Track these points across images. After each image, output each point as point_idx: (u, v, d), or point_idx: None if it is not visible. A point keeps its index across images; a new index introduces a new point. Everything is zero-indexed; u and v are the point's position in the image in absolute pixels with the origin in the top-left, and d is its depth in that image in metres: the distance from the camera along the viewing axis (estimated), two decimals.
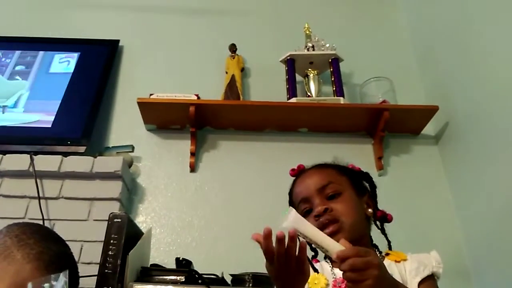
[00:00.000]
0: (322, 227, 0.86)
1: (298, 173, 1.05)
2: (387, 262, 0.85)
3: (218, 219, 1.63)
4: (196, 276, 1.20)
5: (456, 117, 1.69)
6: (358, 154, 1.76)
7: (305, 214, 0.92)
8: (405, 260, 0.86)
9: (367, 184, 1.04)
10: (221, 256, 1.54)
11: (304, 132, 1.83)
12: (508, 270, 1.29)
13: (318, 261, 0.98)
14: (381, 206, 1.64)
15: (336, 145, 1.78)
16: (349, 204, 0.91)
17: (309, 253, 0.94)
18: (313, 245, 0.72)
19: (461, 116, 1.66)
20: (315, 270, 0.91)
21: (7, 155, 1.55)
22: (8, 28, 2.03)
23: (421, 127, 1.82)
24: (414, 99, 1.83)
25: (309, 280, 0.88)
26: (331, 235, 0.84)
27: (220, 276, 1.27)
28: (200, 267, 1.33)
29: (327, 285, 0.86)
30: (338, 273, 0.85)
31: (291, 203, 1.02)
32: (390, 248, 0.94)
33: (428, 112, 1.75)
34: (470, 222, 1.57)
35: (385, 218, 0.98)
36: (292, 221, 0.73)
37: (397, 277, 0.81)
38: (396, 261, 0.86)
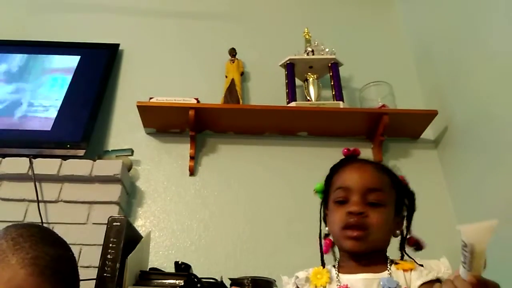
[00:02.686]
0: (347, 227, 0.85)
1: (352, 156, 0.98)
2: (394, 269, 0.84)
3: (217, 223, 1.63)
4: (195, 280, 1.20)
5: (455, 122, 1.70)
6: None
7: (337, 202, 0.90)
8: (412, 268, 0.84)
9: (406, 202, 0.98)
10: (220, 260, 1.54)
11: (303, 136, 1.83)
12: (506, 273, 1.29)
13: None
14: None
15: (335, 149, 1.76)
16: (384, 219, 0.87)
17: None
18: (465, 253, 0.61)
19: (460, 120, 1.67)
20: (323, 264, 0.91)
21: (6, 158, 1.54)
22: (8, 32, 2.04)
23: (420, 132, 1.82)
24: (413, 104, 1.84)
25: (312, 272, 0.89)
26: (353, 238, 0.84)
27: (219, 280, 1.27)
28: (199, 271, 1.33)
29: (327, 283, 0.86)
30: (343, 280, 0.85)
31: (328, 179, 0.97)
32: (402, 258, 0.91)
33: (427, 116, 1.76)
34: None
35: (418, 245, 0.94)
36: (479, 236, 0.61)
37: (402, 284, 0.81)
38: (404, 270, 0.84)
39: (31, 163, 1.51)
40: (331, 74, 1.81)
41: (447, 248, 1.57)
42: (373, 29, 2.20)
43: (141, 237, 1.32)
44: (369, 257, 0.86)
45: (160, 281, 1.19)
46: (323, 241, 0.96)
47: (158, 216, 1.64)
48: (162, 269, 1.39)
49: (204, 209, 1.66)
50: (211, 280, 1.26)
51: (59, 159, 1.54)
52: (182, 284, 1.16)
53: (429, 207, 1.68)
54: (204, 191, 1.70)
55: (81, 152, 1.60)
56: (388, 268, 0.84)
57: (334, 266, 0.91)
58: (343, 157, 1.00)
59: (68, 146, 1.62)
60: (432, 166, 1.79)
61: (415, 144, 1.85)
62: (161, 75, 1.98)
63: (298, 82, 1.85)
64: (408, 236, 0.94)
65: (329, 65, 1.82)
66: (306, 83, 1.85)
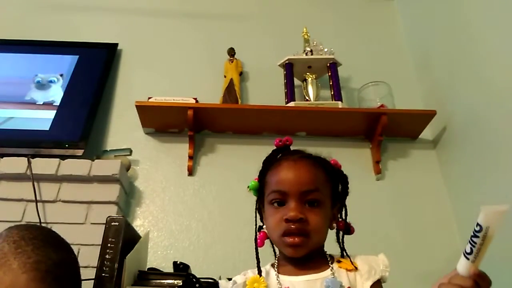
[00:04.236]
0: (287, 233, 0.82)
1: (285, 147, 0.95)
2: (336, 268, 0.83)
3: (215, 223, 1.63)
4: (194, 280, 1.20)
5: (454, 122, 1.70)
6: (356, 158, 1.77)
7: (273, 203, 0.86)
8: (356, 269, 0.83)
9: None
10: (219, 260, 1.54)
11: (302, 136, 1.83)
12: (505, 274, 1.29)
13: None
14: (378, 209, 1.66)
15: (334, 149, 1.77)
16: (323, 219, 0.84)
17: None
18: (475, 239, 0.63)
19: (459, 120, 1.67)
20: (259, 272, 0.86)
21: (4, 158, 1.54)
22: (7, 31, 2.03)
23: (418, 132, 1.83)
24: (412, 104, 1.84)
25: (248, 282, 0.84)
26: (293, 246, 0.81)
27: (217, 280, 1.27)
28: (197, 271, 1.33)
29: None
30: (284, 282, 0.82)
31: (262, 175, 0.92)
32: (342, 255, 0.87)
33: (426, 116, 1.76)
34: (467, 226, 1.58)
35: (348, 230, 0.91)
36: (495, 218, 0.62)
37: (345, 284, 0.79)
38: (347, 270, 0.82)
39: (29, 162, 1.51)
40: (329, 74, 1.81)
41: (445, 246, 1.58)
42: (371, 29, 2.20)
43: (139, 237, 1.32)
44: (310, 257, 0.84)
45: (158, 281, 1.19)
46: (258, 234, 0.91)
47: (157, 216, 1.64)
48: (161, 269, 1.39)
49: (202, 209, 1.66)
50: (209, 280, 1.26)
51: (58, 159, 1.54)
52: (181, 284, 1.16)
53: (427, 207, 1.69)
54: (203, 191, 1.70)
55: (80, 152, 1.60)
56: (330, 267, 0.83)
57: (273, 266, 0.87)
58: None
59: (67, 145, 1.62)
60: (431, 166, 1.79)
61: (414, 144, 1.85)
62: (159, 75, 1.98)
63: (296, 82, 1.85)
64: (340, 220, 0.91)
65: (328, 65, 1.83)
66: (304, 83, 1.85)
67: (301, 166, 0.88)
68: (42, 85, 1.84)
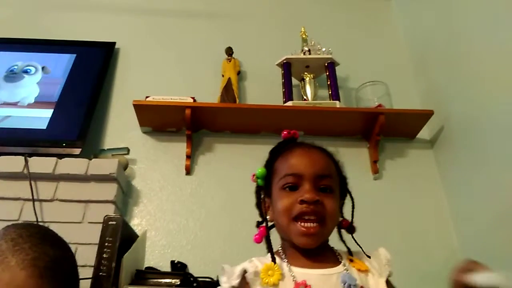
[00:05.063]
0: (301, 215, 0.79)
1: (293, 139, 0.94)
2: (347, 265, 0.81)
3: (213, 222, 1.62)
4: (191, 279, 1.20)
5: (451, 122, 1.71)
6: (353, 158, 1.77)
7: (285, 187, 0.83)
8: (367, 270, 0.82)
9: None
10: (217, 259, 1.53)
11: (300, 135, 1.82)
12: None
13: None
14: (376, 209, 1.66)
15: (331, 149, 1.78)
16: (336, 206, 0.83)
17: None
18: None
19: (456, 120, 1.67)
20: (273, 259, 0.81)
21: (1, 156, 1.54)
22: (4, 30, 2.03)
23: (416, 131, 1.83)
24: (410, 103, 1.84)
25: (262, 270, 0.79)
26: (308, 235, 0.79)
27: (215, 279, 1.27)
28: (195, 270, 1.33)
29: (279, 281, 0.77)
30: (298, 274, 0.78)
31: (270, 164, 0.90)
32: (350, 253, 0.86)
33: (423, 116, 1.76)
34: (464, 225, 1.58)
35: (351, 228, 0.90)
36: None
37: (358, 282, 0.78)
38: (359, 270, 0.81)
39: (26, 161, 1.51)
40: (327, 73, 1.82)
41: (442, 245, 1.59)
42: (369, 29, 2.21)
43: (137, 236, 1.32)
44: (320, 251, 0.82)
45: (156, 280, 1.19)
46: (257, 229, 0.89)
47: (154, 215, 1.64)
48: (158, 268, 1.39)
49: (200, 208, 1.66)
50: (207, 279, 1.26)
51: (55, 158, 1.53)
52: (178, 283, 1.17)
53: (424, 207, 1.70)
54: (200, 190, 1.70)
55: (77, 151, 1.59)
56: (343, 263, 0.81)
57: (279, 255, 0.83)
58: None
59: (64, 144, 1.62)
60: (428, 166, 1.80)
61: (411, 144, 1.86)
62: (157, 74, 1.98)
63: (294, 81, 1.86)
64: (341, 219, 0.90)
65: (326, 64, 1.83)
66: (302, 82, 1.85)
67: (315, 152, 0.88)
68: (14, 75, 1.78)
